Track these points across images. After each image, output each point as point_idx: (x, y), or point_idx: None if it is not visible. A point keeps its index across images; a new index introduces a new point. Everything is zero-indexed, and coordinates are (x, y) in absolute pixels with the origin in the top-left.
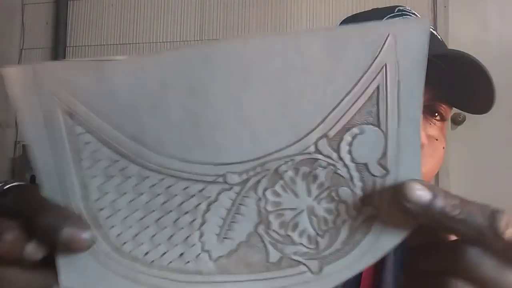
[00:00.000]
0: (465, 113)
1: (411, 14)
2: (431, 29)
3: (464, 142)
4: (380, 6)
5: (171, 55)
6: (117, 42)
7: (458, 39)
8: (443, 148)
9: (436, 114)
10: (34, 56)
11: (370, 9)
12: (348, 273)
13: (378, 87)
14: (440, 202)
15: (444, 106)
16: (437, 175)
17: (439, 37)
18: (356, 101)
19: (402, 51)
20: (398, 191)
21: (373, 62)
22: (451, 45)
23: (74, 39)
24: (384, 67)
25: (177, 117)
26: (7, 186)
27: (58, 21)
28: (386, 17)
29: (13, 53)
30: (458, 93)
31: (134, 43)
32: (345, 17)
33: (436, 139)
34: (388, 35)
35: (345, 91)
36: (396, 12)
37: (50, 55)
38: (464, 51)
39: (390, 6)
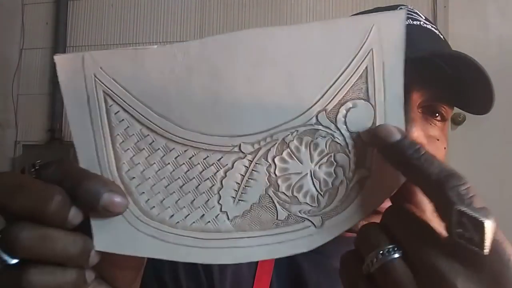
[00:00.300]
0: (465, 113)
1: (411, 13)
2: (434, 29)
3: (464, 142)
4: (380, 5)
5: (196, 44)
6: (117, 42)
7: (458, 39)
8: (445, 148)
9: (437, 114)
10: (34, 56)
11: (371, 8)
12: (346, 226)
13: (366, 68)
14: (406, 142)
15: (444, 106)
16: None
17: (441, 36)
18: (349, 79)
19: (384, 37)
20: (374, 133)
21: (361, 47)
22: (451, 45)
23: (74, 39)
24: (371, 51)
25: (200, 96)
26: (45, 162)
27: (58, 21)
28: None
29: (13, 53)
30: (458, 93)
31: (134, 43)
32: (351, 15)
33: (437, 139)
34: (373, 25)
35: (340, 71)
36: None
37: (50, 55)
38: (464, 52)
39: (392, 5)
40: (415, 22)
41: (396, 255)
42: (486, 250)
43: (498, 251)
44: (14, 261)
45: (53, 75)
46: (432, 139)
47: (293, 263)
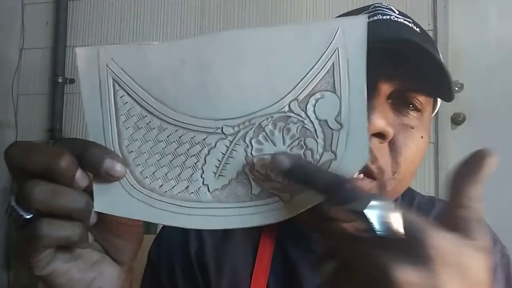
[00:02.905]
0: (465, 113)
1: (383, 9)
2: (408, 22)
3: (464, 142)
4: (376, 4)
5: (190, 40)
6: (117, 42)
7: (458, 39)
8: (422, 137)
9: (410, 105)
10: (34, 56)
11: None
12: (311, 203)
13: (333, 64)
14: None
15: (418, 97)
16: (437, 175)
17: (416, 28)
18: (317, 73)
19: (348, 38)
20: (272, 162)
21: (328, 46)
22: (451, 45)
23: (74, 39)
24: (336, 49)
25: (190, 84)
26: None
27: (58, 21)
28: (362, 14)
29: (13, 53)
30: (424, 82)
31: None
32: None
33: (412, 127)
34: (338, 27)
35: (310, 66)
36: (371, 9)
37: (50, 55)
38: (463, 52)
39: (370, 5)
40: (384, 17)
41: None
42: (401, 230)
43: (411, 229)
44: (29, 216)
45: (53, 75)
46: (406, 127)
47: (290, 262)
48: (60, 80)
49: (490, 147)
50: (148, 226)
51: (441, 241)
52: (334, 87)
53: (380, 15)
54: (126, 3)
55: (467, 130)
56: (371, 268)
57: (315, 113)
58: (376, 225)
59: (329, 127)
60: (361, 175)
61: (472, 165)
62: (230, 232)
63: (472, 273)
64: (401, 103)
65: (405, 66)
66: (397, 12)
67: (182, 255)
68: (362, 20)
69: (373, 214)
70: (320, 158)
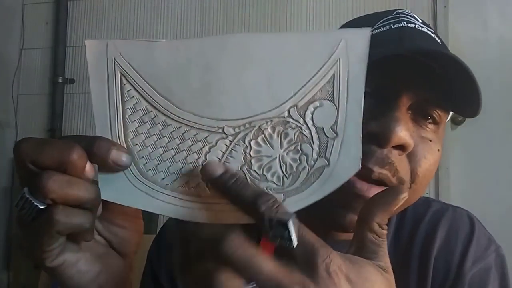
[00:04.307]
0: None
1: (406, 17)
2: (430, 32)
3: (464, 142)
4: (378, 6)
5: (197, 41)
6: None
7: (458, 39)
8: (438, 150)
9: (429, 117)
10: (34, 56)
11: (369, 10)
12: (302, 204)
13: (334, 74)
14: (225, 176)
15: (437, 110)
16: (437, 176)
17: (438, 40)
18: (318, 83)
19: (350, 50)
20: (203, 168)
21: (331, 57)
22: (451, 45)
23: (74, 39)
24: (338, 60)
25: (196, 84)
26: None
27: (58, 21)
28: (383, 19)
29: (13, 53)
30: (448, 96)
31: None
32: (347, 21)
33: (430, 140)
34: (341, 39)
35: (311, 75)
36: (394, 15)
37: (50, 55)
38: (463, 52)
39: (391, 10)
40: (409, 25)
41: None
42: (295, 243)
43: (304, 242)
44: (43, 206)
45: (53, 75)
46: (425, 140)
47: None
48: (60, 80)
49: (490, 147)
50: (149, 226)
51: (338, 258)
52: (333, 97)
53: (405, 22)
54: (126, 3)
55: (467, 130)
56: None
57: (312, 120)
58: (291, 238)
59: (325, 134)
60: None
61: (386, 197)
62: None
63: (370, 286)
64: (420, 115)
65: (428, 78)
66: (420, 21)
67: None
68: (365, 33)
69: (291, 227)
70: (314, 164)
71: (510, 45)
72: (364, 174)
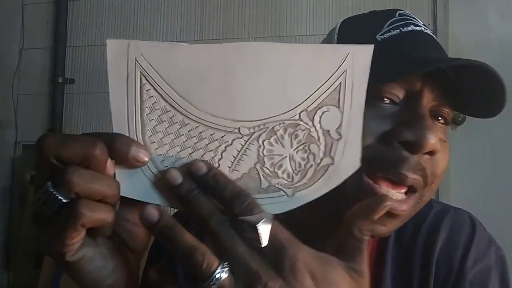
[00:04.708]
0: None
1: (411, 18)
2: (432, 34)
3: (464, 142)
4: (378, 6)
5: (217, 46)
6: None
7: (458, 39)
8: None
9: (440, 118)
10: (34, 56)
11: (369, 10)
12: (310, 198)
13: (340, 83)
14: (184, 185)
15: (446, 109)
16: None
17: (435, 39)
18: (327, 90)
19: (355, 63)
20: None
21: (338, 68)
22: (451, 45)
23: (74, 39)
24: (345, 71)
25: (214, 87)
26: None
27: (58, 21)
28: (389, 22)
29: (13, 53)
30: (462, 97)
31: None
32: (344, 18)
33: (444, 141)
34: (349, 53)
35: (321, 83)
36: (398, 16)
37: (50, 55)
38: (463, 52)
39: (390, 10)
40: (417, 28)
41: (226, 273)
42: (263, 243)
43: (274, 240)
44: (67, 200)
45: (53, 75)
46: (441, 141)
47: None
48: (60, 80)
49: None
50: None
51: (307, 256)
52: (339, 103)
53: (413, 26)
54: (126, 3)
55: (467, 130)
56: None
57: (320, 123)
58: (261, 236)
59: (331, 136)
60: (404, 195)
61: (369, 204)
62: None
63: (334, 286)
64: (434, 116)
65: (445, 82)
66: (421, 22)
67: None
68: (369, 48)
69: (264, 227)
70: (320, 162)
71: (510, 45)
72: (399, 179)
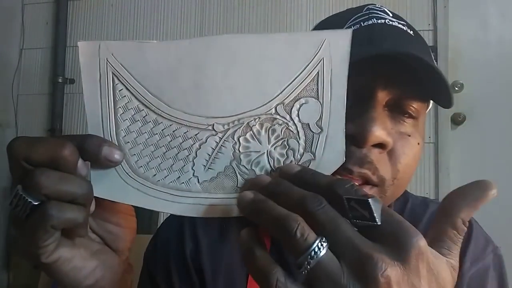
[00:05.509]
0: (465, 113)
1: (377, 12)
2: (401, 25)
3: (464, 142)
4: (369, 5)
5: (187, 42)
6: None
7: (458, 39)
8: (418, 143)
9: (406, 114)
10: (34, 56)
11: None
12: None
13: (318, 73)
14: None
15: (413, 104)
16: (437, 175)
17: (410, 31)
18: (303, 80)
19: (333, 50)
20: None
21: (315, 56)
22: (451, 45)
23: (74, 39)
24: (322, 59)
25: (186, 83)
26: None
27: (58, 21)
28: (353, 17)
29: (13, 53)
30: (423, 90)
31: None
32: (321, 21)
33: (409, 135)
34: (325, 39)
35: (297, 73)
36: (364, 11)
37: (50, 55)
38: (463, 52)
39: (362, 5)
40: (379, 21)
41: (325, 249)
42: (378, 221)
43: (389, 221)
44: (37, 202)
45: (53, 75)
46: (404, 135)
47: (286, 262)
48: (60, 80)
49: (490, 147)
50: (149, 226)
51: (426, 245)
52: (317, 94)
53: (374, 19)
54: (126, 3)
55: (467, 130)
56: (357, 259)
57: (298, 117)
58: (374, 217)
59: (311, 130)
60: (361, 182)
61: (474, 191)
62: (225, 232)
63: (441, 282)
64: (397, 111)
65: (401, 74)
66: (391, 15)
67: (178, 255)
68: (347, 33)
69: (376, 204)
70: (301, 158)
71: (510, 45)
72: (344, 174)
